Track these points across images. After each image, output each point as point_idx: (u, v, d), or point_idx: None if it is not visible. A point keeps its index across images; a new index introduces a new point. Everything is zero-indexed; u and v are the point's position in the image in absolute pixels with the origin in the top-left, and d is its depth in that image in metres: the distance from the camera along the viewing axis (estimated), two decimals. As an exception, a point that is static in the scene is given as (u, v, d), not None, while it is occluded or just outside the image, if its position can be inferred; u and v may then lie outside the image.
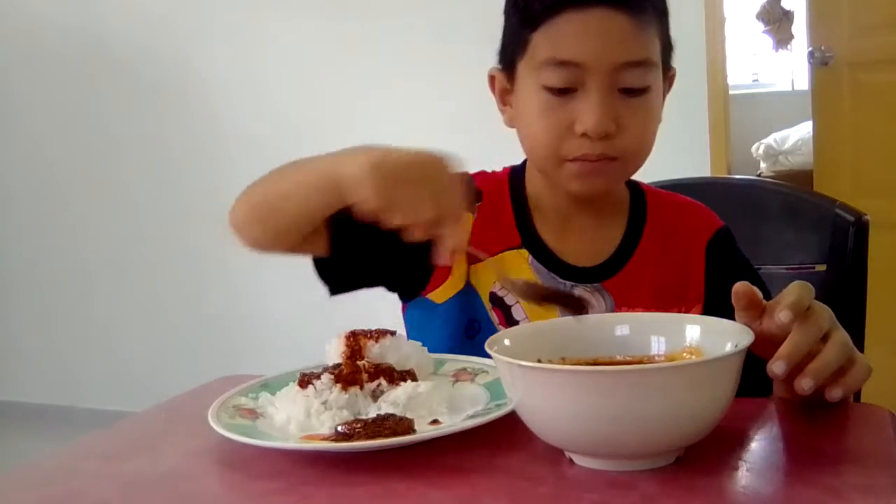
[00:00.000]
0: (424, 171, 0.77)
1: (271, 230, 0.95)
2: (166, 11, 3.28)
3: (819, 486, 0.65)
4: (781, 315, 0.71)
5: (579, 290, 1.02)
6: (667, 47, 0.99)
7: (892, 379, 1.14)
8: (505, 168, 1.10)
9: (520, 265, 1.03)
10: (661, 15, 0.96)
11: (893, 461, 0.69)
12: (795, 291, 0.74)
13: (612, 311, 1.01)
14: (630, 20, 0.91)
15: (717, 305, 0.95)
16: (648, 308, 0.99)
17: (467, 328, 1.04)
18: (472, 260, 1.04)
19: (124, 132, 3.43)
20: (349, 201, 0.78)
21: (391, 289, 1.07)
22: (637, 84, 0.93)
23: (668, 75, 1.01)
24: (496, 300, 1.04)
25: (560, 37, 0.93)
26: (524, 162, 1.08)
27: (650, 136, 0.96)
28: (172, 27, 3.30)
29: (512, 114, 1.02)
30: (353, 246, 0.95)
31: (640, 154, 0.97)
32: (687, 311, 1.00)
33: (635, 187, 1.08)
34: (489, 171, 1.10)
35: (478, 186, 1.07)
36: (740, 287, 0.75)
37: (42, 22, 3.48)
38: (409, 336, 1.09)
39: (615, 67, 0.91)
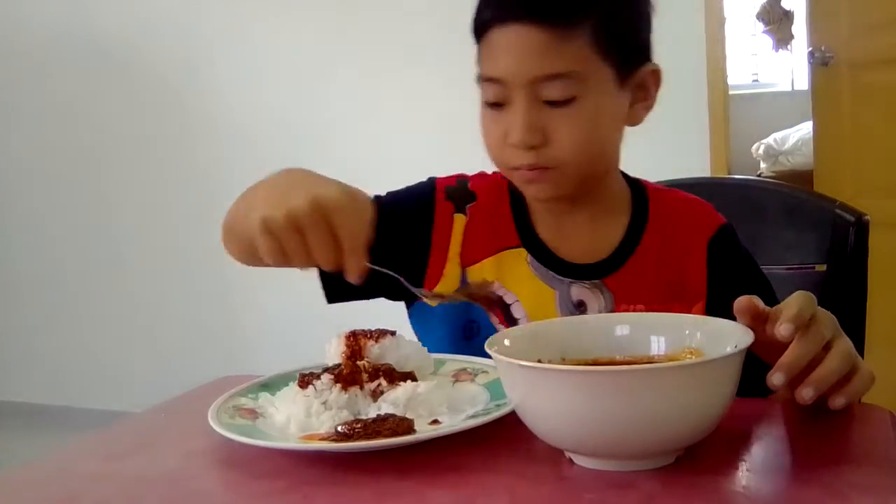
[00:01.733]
0: (316, 216, 0.78)
1: (244, 253, 0.98)
2: (165, 11, 3.29)
3: (819, 486, 0.65)
4: (782, 329, 0.71)
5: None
6: (625, 49, 0.97)
7: (892, 379, 1.14)
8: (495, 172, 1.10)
9: (519, 264, 1.04)
10: (605, 23, 0.95)
11: (893, 461, 0.69)
12: (797, 303, 0.73)
13: (612, 308, 1.01)
14: (548, 33, 0.92)
15: (720, 303, 0.95)
16: (649, 305, 0.99)
17: (465, 329, 1.05)
18: (466, 262, 1.05)
19: (123, 132, 3.43)
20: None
21: (390, 297, 1.08)
22: (558, 96, 0.93)
23: (644, 73, 1.00)
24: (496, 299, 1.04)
25: (488, 54, 0.96)
26: None
27: (588, 144, 0.96)
28: (171, 27, 3.30)
29: None
30: None
31: (577, 162, 0.96)
32: (688, 309, 1.00)
33: (637, 185, 1.08)
34: (490, 172, 1.10)
35: (472, 188, 1.08)
36: (742, 303, 0.74)
37: (39, 20, 3.48)
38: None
39: (533, 81, 0.93)
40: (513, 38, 0.93)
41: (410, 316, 1.11)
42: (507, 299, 1.03)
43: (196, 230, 3.34)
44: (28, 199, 3.65)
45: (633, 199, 1.06)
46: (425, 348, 0.94)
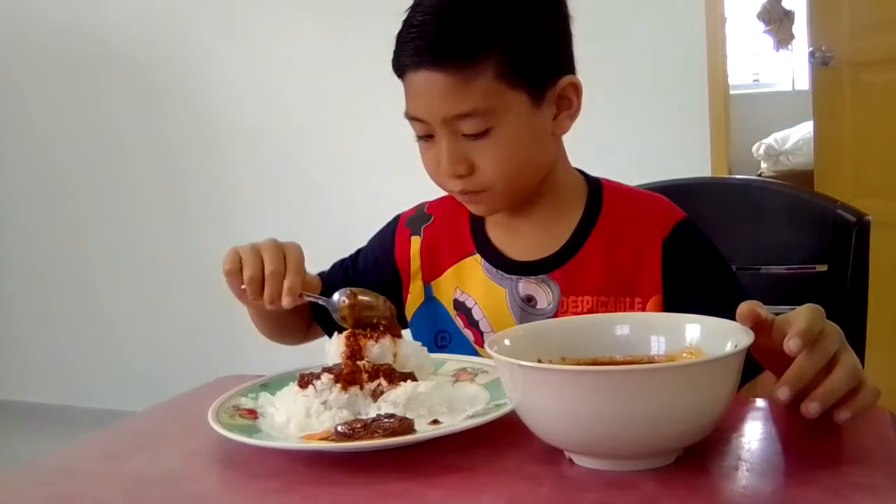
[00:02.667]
0: (262, 244, 1.01)
1: (272, 331, 1.25)
2: (168, 10, 3.28)
3: (819, 486, 0.65)
4: (791, 343, 0.70)
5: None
6: (535, 69, 0.99)
7: (892, 379, 1.14)
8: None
9: (474, 269, 1.10)
10: (511, 50, 0.97)
11: (893, 461, 0.69)
12: (806, 317, 0.72)
13: (559, 300, 1.05)
14: (452, 77, 0.96)
15: (677, 298, 1.02)
16: (596, 296, 1.04)
17: (437, 339, 1.11)
18: (429, 277, 1.13)
19: (125, 132, 3.44)
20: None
21: None
22: (473, 131, 0.98)
23: (560, 87, 1.01)
24: (459, 305, 1.10)
25: (408, 94, 1.02)
26: None
27: (509, 166, 1.00)
28: (174, 26, 3.30)
29: None
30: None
31: (504, 182, 1.02)
32: (643, 302, 1.03)
33: (595, 184, 1.11)
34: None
35: (429, 211, 1.17)
36: (744, 310, 0.74)
37: (42, 20, 3.48)
38: None
39: (446, 120, 0.98)
40: (422, 82, 0.98)
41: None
42: (468, 303, 1.10)
43: (196, 230, 3.34)
44: (28, 199, 3.65)
45: (588, 197, 1.09)
46: (425, 348, 0.94)
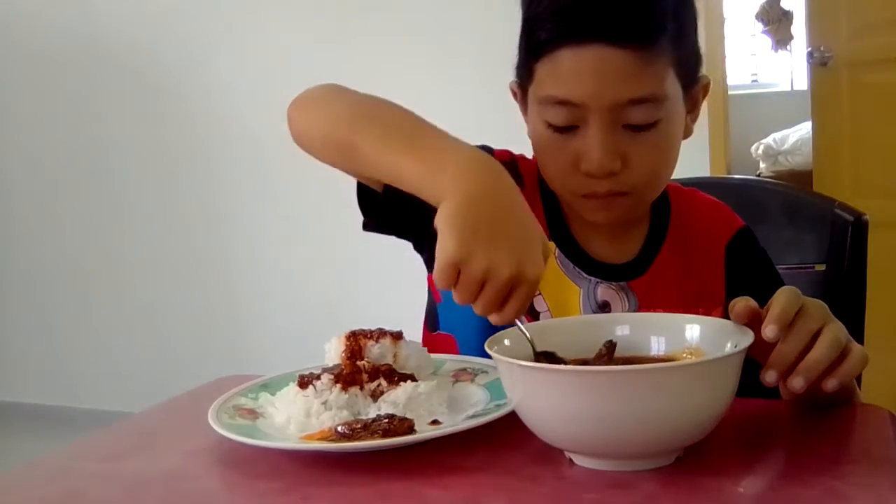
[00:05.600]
0: (512, 229, 0.75)
1: (329, 159, 0.92)
2: (167, 12, 3.28)
3: (819, 486, 0.65)
4: (767, 331, 0.72)
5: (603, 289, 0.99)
6: (690, 63, 0.95)
7: (892, 379, 1.14)
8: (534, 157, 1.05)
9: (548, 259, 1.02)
10: (678, 37, 0.91)
11: (893, 461, 0.69)
12: (780, 303, 0.73)
13: (636, 311, 1.00)
14: (632, 56, 0.86)
15: None
16: (669, 311, 0.95)
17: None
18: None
19: (124, 133, 3.43)
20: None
21: (417, 247, 1.03)
22: (642, 121, 0.89)
23: (699, 86, 0.98)
24: None
25: (559, 74, 0.89)
26: None
27: (663, 166, 0.93)
28: (173, 28, 3.30)
29: (528, 130, 0.99)
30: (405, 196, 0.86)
31: (653, 185, 0.95)
32: (707, 313, 0.96)
33: None
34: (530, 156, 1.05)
35: (521, 171, 1.03)
36: (740, 306, 0.74)
37: (41, 23, 3.48)
38: (442, 329, 1.07)
39: (616, 106, 0.88)
40: (593, 60, 0.87)
41: (441, 305, 1.06)
42: None
43: (196, 230, 3.34)
44: (29, 199, 3.65)
45: (655, 200, 1.03)
46: (425, 348, 0.94)
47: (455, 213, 0.74)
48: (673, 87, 0.91)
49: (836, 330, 0.75)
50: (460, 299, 0.75)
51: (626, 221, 1.01)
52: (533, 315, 1.01)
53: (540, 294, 1.00)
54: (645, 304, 1.00)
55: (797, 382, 0.73)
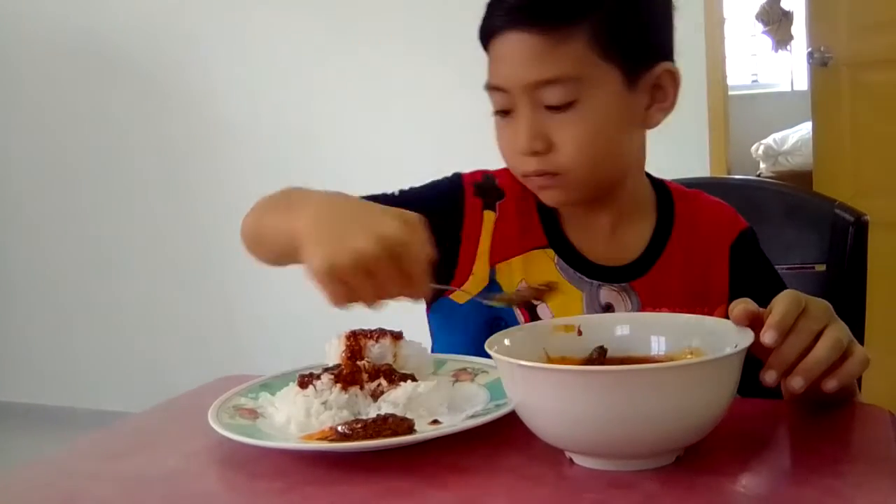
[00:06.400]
0: (384, 256, 0.75)
1: (270, 257, 0.98)
2: (168, 10, 3.28)
3: (819, 486, 0.65)
4: (766, 336, 0.72)
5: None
6: (633, 48, 0.95)
7: (892, 379, 1.14)
8: None
9: (546, 265, 1.03)
10: (609, 22, 0.93)
11: (893, 461, 0.69)
12: (781, 308, 0.73)
13: (639, 311, 1.00)
14: (541, 39, 0.91)
15: None
16: (673, 310, 0.96)
17: (490, 326, 1.01)
18: (495, 259, 1.03)
19: (125, 132, 3.43)
20: None
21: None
22: (557, 101, 0.92)
23: (657, 75, 0.96)
24: None
25: (492, 62, 0.96)
26: None
27: (592, 148, 0.94)
28: (174, 26, 3.30)
29: None
30: None
31: (583, 166, 0.95)
32: (709, 313, 0.97)
33: (662, 186, 1.07)
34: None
35: (500, 185, 1.06)
36: (738, 310, 0.74)
37: (42, 20, 3.48)
38: (434, 339, 1.09)
39: (532, 87, 0.92)
40: (510, 46, 0.93)
41: (431, 315, 1.09)
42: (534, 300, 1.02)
43: (196, 230, 3.34)
44: (28, 200, 3.65)
45: (658, 202, 1.05)
46: (426, 348, 0.94)
47: (307, 232, 0.80)
48: (595, 69, 0.93)
49: (838, 330, 0.75)
50: (365, 299, 0.77)
51: (624, 221, 1.02)
52: (535, 321, 1.01)
53: (543, 302, 1.01)
54: (648, 303, 1.00)
55: (796, 382, 0.73)
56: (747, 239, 1.05)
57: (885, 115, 2.79)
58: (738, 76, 5.50)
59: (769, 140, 4.52)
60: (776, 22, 5.23)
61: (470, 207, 1.04)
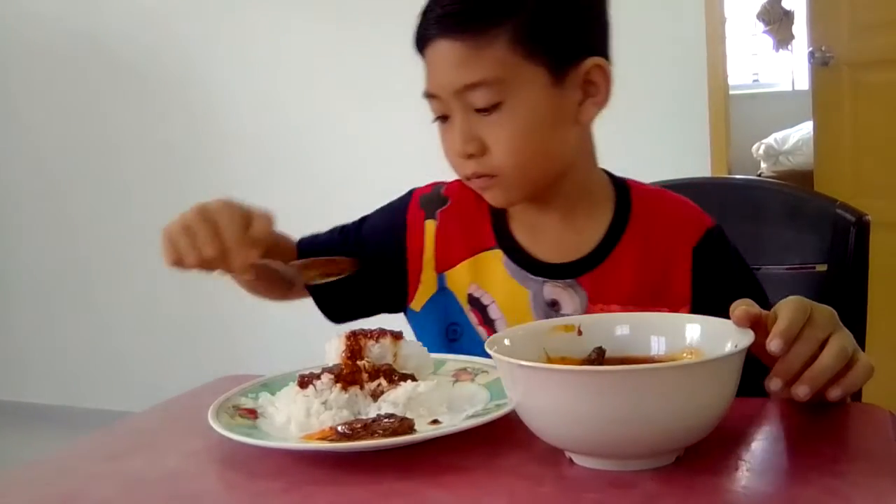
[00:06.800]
0: (198, 217, 0.91)
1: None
2: (168, 12, 3.29)
3: (819, 486, 0.65)
4: (772, 345, 0.71)
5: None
6: (558, 47, 0.96)
7: (892, 379, 1.14)
8: None
9: (495, 266, 1.05)
10: (531, 24, 0.94)
11: (893, 461, 0.69)
12: (788, 316, 0.73)
13: (585, 307, 1.02)
14: (462, 46, 0.94)
15: (707, 307, 0.95)
16: (624, 306, 1.00)
17: (447, 332, 1.06)
18: (442, 267, 1.07)
19: (124, 132, 3.44)
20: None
21: (389, 311, 1.11)
22: (484, 103, 0.95)
23: (585, 70, 0.97)
24: (474, 301, 1.06)
25: (426, 71, 1.00)
26: None
27: (525, 146, 0.96)
28: (173, 28, 3.30)
29: None
30: (335, 284, 1.00)
31: (516, 166, 0.97)
32: (672, 312, 0.99)
33: (622, 185, 1.08)
34: None
35: (445, 193, 1.11)
36: (739, 313, 0.73)
37: (41, 22, 3.48)
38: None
39: (459, 92, 0.95)
40: (439, 53, 0.96)
41: (408, 321, 1.12)
42: (484, 300, 1.05)
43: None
44: (28, 200, 3.65)
45: (616, 199, 1.06)
46: (425, 348, 0.94)
47: (161, 234, 0.96)
48: (519, 70, 0.94)
49: (843, 339, 0.75)
50: (187, 258, 0.92)
51: (577, 218, 1.04)
52: (488, 323, 1.04)
53: (494, 302, 1.04)
54: (596, 299, 1.01)
55: (802, 391, 0.73)
56: (713, 238, 1.04)
57: (887, 114, 2.79)
58: (739, 76, 5.50)
59: (770, 140, 4.53)
60: (777, 21, 5.23)
61: (412, 220, 1.10)
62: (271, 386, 0.91)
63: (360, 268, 0.96)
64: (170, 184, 3.40)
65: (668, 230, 1.04)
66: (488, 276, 1.05)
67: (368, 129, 3.06)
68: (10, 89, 3.60)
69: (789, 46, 5.29)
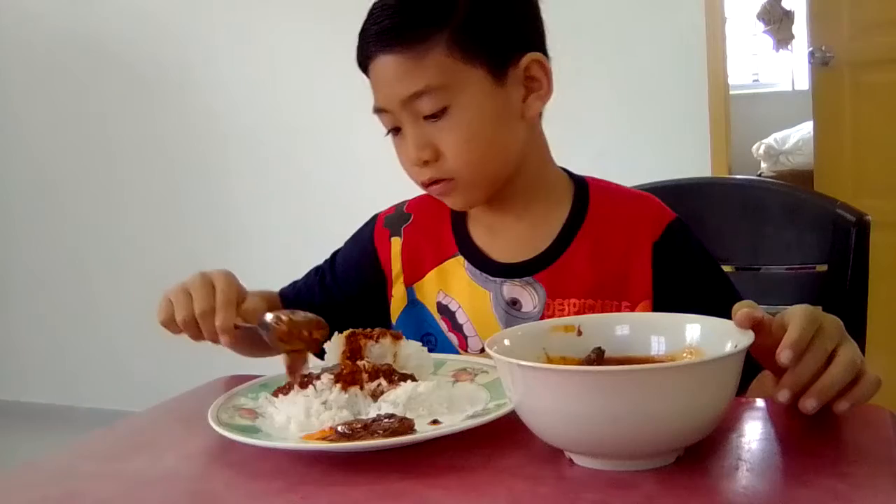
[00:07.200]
0: (190, 282, 1.02)
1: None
2: (165, 12, 3.28)
3: (819, 486, 0.65)
4: (782, 356, 0.71)
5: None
6: (495, 48, 0.98)
7: (892, 379, 1.14)
8: None
9: (458, 272, 1.08)
10: (464, 29, 0.97)
11: (893, 461, 0.69)
12: (798, 326, 0.72)
13: (544, 302, 1.03)
14: (404, 57, 0.97)
15: (668, 302, 0.98)
16: (583, 300, 1.01)
17: (422, 343, 1.06)
18: (410, 280, 1.10)
19: (124, 133, 3.43)
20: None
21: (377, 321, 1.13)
22: (430, 110, 0.97)
23: (524, 66, 1.00)
24: (442, 308, 1.08)
25: (372, 87, 1.02)
26: None
27: (477, 147, 0.99)
28: (171, 28, 3.30)
29: None
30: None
31: (470, 167, 0.99)
32: (631, 307, 1.01)
33: (581, 182, 1.09)
34: None
35: (407, 210, 1.14)
36: (741, 316, 0.73)
37: (39, 22, 3.48)
38: None
39: (406, 102, 0.98)
40: (381, 68, 0.99)
41: None
42: (452, 307, 1.07)
43: (196, 230, 3.34)
44: (27, 200, 3.65)
45: (575, 197, 1.07)
46: (425, 348, 0.94)
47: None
48: (459, 74, 0.97)
49: (851, 351, 0.74)
50: (180, 312, 1.01)
51: (533, 215, 1.06)
52: (457, 328, 1.06)
53: (460, 307, 1.07)
54: (554, 295, 1.03)
55: (810, 404, 0.72)
56: (674, 233, 1.04)
57: (887, 114, 2.79)
58: (739, 76, 5.51)
59: (770, 140, 4.53)
60: (777, 21, 5.24)
61: (379, 240, 1.13)
62: (271, 386, 0.91)
63: (327, 329, 0.96)
64: (169, 184, 3.40)
65: (627, 225, 1.04)
66: (453, 283, 1.08)
67: (367, 129, 3.05)
68: (8, 89, 3.60)
69: (789, 46, 5.30)
